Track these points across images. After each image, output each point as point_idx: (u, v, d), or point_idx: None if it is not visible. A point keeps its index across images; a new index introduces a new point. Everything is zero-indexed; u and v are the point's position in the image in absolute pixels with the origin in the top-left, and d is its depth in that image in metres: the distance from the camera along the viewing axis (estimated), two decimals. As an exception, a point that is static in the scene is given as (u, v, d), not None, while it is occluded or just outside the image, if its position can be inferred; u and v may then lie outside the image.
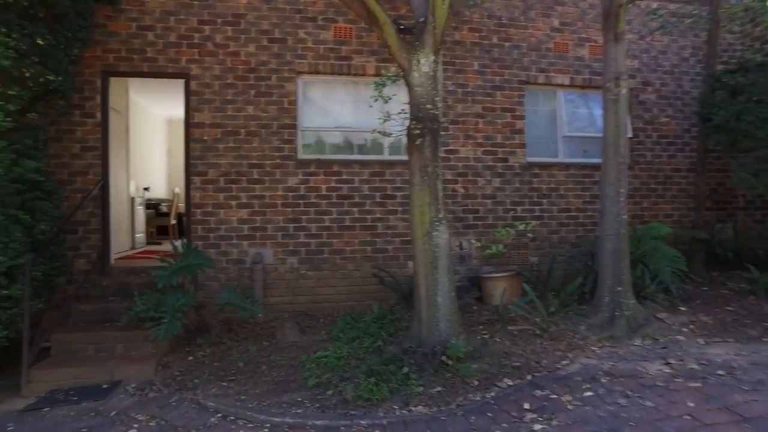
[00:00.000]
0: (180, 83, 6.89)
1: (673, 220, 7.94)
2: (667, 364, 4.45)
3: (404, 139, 7.12)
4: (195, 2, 6.64)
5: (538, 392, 3.97)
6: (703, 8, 7.62)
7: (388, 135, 5.21)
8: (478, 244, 6.44)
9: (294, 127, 6.81)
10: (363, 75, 7.02)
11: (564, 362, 4.49)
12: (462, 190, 7.20)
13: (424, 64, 4.56)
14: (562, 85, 7.53)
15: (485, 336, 4.99)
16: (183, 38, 6.64)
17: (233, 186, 6.65)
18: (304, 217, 6.79)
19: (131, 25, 6.54)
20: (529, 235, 6.48)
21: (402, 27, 4.90)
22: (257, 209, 6.69)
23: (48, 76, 5.29)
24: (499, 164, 7.35)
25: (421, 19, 4.67)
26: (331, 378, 4.36)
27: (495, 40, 7.37)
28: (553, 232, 7.39)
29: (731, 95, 7.14)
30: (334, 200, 6.85)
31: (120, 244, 8.49)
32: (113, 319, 5.61)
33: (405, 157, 7.08)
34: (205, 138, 6.61)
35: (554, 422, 3.56)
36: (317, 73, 6.93)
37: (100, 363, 5.01)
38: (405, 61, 4.59)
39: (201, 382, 4.65)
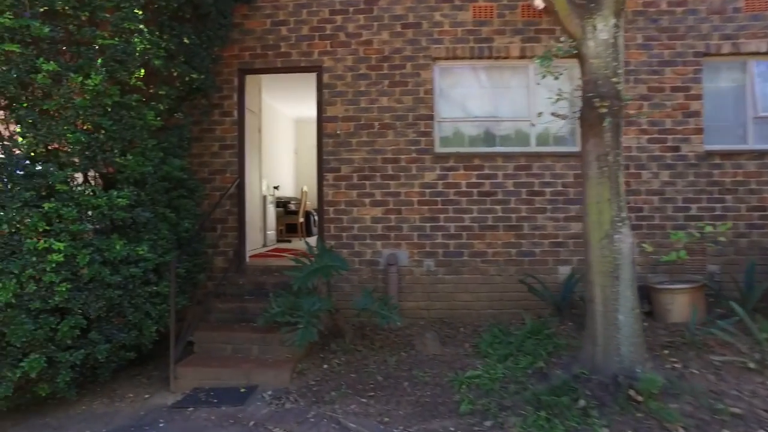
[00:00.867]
0: (312, 77, 6.63)
1: None
2: None
3: (552, 129, 6.32)
4: (328, -9, 6.32)
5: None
6: None
7: (564, 117, 4.39)
8: (650, 249, 5.39)
9: (430, 118, 6.23)
10: (506, 58, 6.26)
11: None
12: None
13: (602, 30, 3.72)
14: (755, 54, 6.14)
15: (676, 365, 4.01)
16: (315, 30, 6.35)
17: (367, 182, 6.23)
18: (441, 215, 6.19)
19: (266, 21, 6.39)
20: (721, 239, 5.28)
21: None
22: (392, 207, 6.21)
23: (192, 75, 5.22)
24: (668, 154, 6.18)
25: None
26: (487, 405, 3.71)
27: (664, 6, 6.20)
28: (740, 235, 6.06)
29: None
30: (475, 197, 6.17)
31: (253, 241, 8.50)
32: (249, 319, 5.44)
33: (555, 149, 6.24)
34: (338, 132, 6.26)
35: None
36: (455, 58, 6.29)
37: (237, 365, 4.82)
38: (577, 29, 3.78)
39: (338, 395, 4.23)
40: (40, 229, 3.75)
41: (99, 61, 4.11)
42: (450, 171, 6.20)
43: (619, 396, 3.42)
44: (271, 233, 9.66)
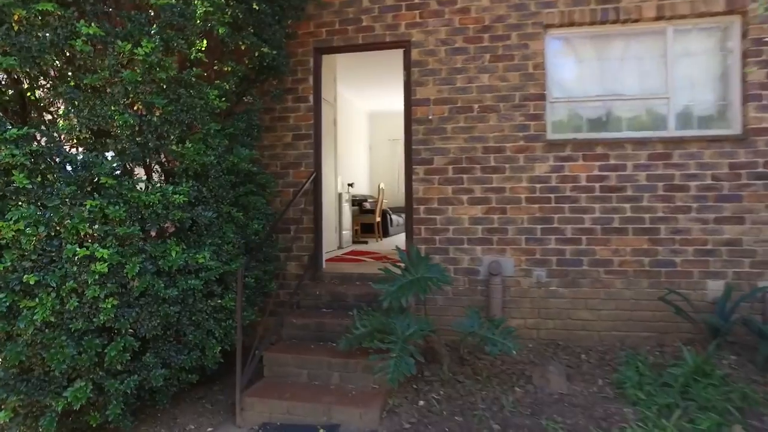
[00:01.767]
0: (395, 57, 5.68)
1: None
2: None
3: (697, 107, 5.00)
4: (418, -49, 5.32)
5: None
6: None
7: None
8: None
9: (541, 98, 5.08)
10: (637, 21, 4.99)
11: None
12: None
13: None
14: None
15: None
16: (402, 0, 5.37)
17: (464, 176, 5.18)
18: (555, 215, 5.03)
19: (345, -9, 5.48)
20: None
21: None
22: (494, 205, 5.12)
23: (263, 49, 4.38)
24: None
25: None
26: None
27: None
28: None
29: None
30: (598, 193, 4.96)
31: (328, 243, 7.70)
32: (327, 337, 4.56)
33: (702, 132, 4.94)
34: (430, 117, 5.25)
35: None
36: (571, 24, 5.09)
37: (314, 397, 3.92)
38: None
39: (445, 449, 3.23)
40: (82, 232, 3.00)
41: (152, 27, 3.32)
42: (566, 161, 5.03)
43: None
44: (347, 234, 8.82)
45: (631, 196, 4.90)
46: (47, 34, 2.91)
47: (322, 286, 5.23)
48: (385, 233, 10.67)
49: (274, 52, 4.46)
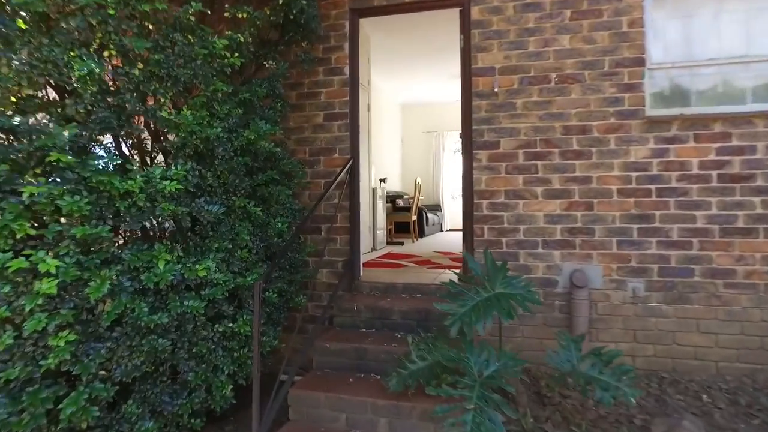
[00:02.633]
0: (450, 16, 4.54)
1: None
2: None
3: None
4: None
5: None
6: None
7: None
8: None
9: (639, 63, 3.90)
10: (766, -38, 3.76)
11: None
12: None
13: None
14: None
15: None
16: (458, -52, 4.24)
17: (539, 163, 4.02)
18: (657, 212, 3.84)
19: (388, -59, 4.37)
20: None
21: None
22: (577, 200, 3.95)
23: (289, -7, 3.30)
24: None
25: None
26: None
27: None
28: None
29: None
30: (715, 184, 3.75)
31: (362, 245, 6.65)
32: (370, 367, 3.47)
33: None
34: (495, 90, 4.10)
35: None
36: (677, -30, 3.89)
37: (356, 454, 2.82)
38: None
39: None
40: (19, 234, 1.95)
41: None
42: (671, 143, 3.83)
43: None
44: (381, 234, 7.71)
45: (762, 188, 3.68)
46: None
47: (361, 299, 4.14)
48: (421, 233, 9.54)
49: (303, 1, 3.37)
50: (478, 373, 2.66)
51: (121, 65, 2.31)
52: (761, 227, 3.67)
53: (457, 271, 4.86)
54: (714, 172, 3.75)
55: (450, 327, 2.89)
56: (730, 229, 3.72)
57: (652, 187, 3.83)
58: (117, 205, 2.22)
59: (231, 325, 2.85)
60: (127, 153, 2.69)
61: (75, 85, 2.11)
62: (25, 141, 2.00)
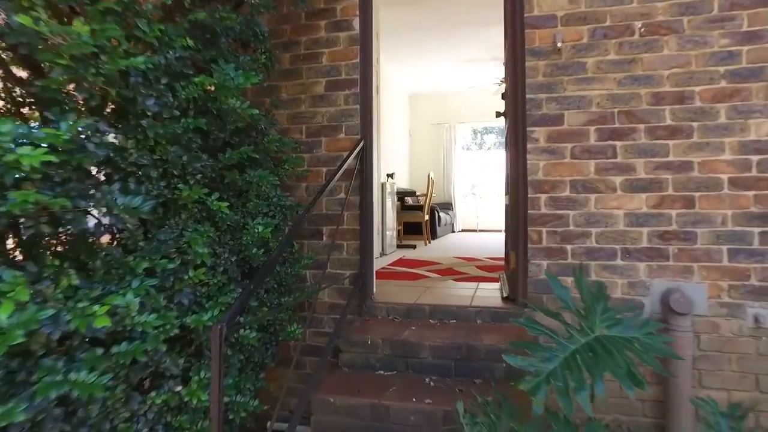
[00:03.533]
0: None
1: None
2: None
3: None
4: None
5: None
6: None
7: None
8: None
9: (764, 2, 2.77)
10: None
11: None
12: None
13: None
14: None
15: None
16: None
17: (617, 144, 2.89)
18: (788, 211, 2.71)
19: None
20: None
21: None
22: (671, 193, 2.83)
23: None
24: None
25: None
26: None
27: None
28: None
29: None
30: None
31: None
32: (391, 427, 2.34)
33: None
34: (559, 46, 2.96)
35: None
36: None
37: None
38: None
39: None
40: None
41: None
42: (807, 115, 2.71)
43: None
44: (390, 235, 6.59)
45: None
46: None
47: (376, 327, 3.01)
48: (433, 235, 8.41)
49: None
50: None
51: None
52: None
53: (496, 285, 3.73)
54: None
55: (529, 392, 1.75)
56: None
57: (780, 175, 2.71)
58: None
59: (180, 390, 1.72)
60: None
61: None
62: None
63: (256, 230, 2.10)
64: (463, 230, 10.48)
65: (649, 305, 2.85)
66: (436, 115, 10.47)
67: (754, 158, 2.73)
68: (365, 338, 2.84)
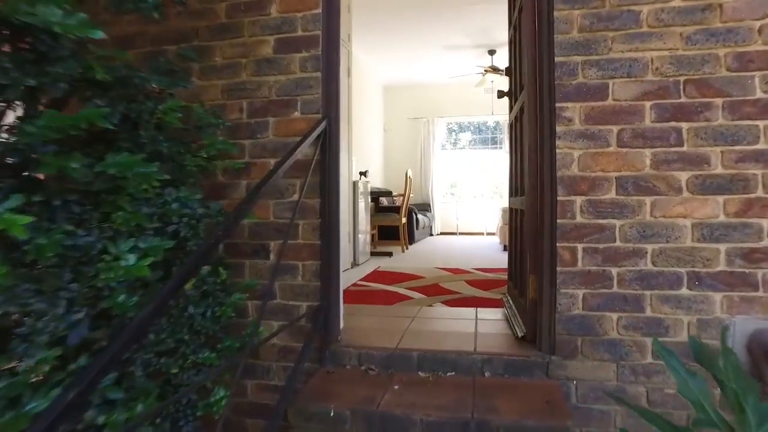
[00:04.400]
0: None
1: None
2: None
3: None
4: None
5: None
6: None
7: None
8: None
9: None
10: None
11: None
12: None
13: None
14: None
15: None
16: None
17: (683, 126, 2.03)
18: None
19: None
20: None
21: None
22: (761, 195, 1.97)
23: None
24: None
25: None
26: None
27: None
28: None
29: None
30: None
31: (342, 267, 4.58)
32: None
33: None
34: (595, 6, 2.08)
35: None
36: None
37: None
38: None
39: None
40: None
41: None
42: None
43: None
44: (363, 240, 5.67)
45: None
46: None
47: (343, 386, 2.08)
48: (411, 239, 7.51)
49: None
50: None
51: None
52: None
53: (498, 313, 2.84)
54: None
55: None
56: None
57: None
58: None
59: None
60: None
61: None
62: None
63: (124, 263, 1.14)
64: (442, 233, 9.62)
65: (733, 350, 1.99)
66: (413, 109, 9.58)
67: None
68: (326, 409, 1.90)
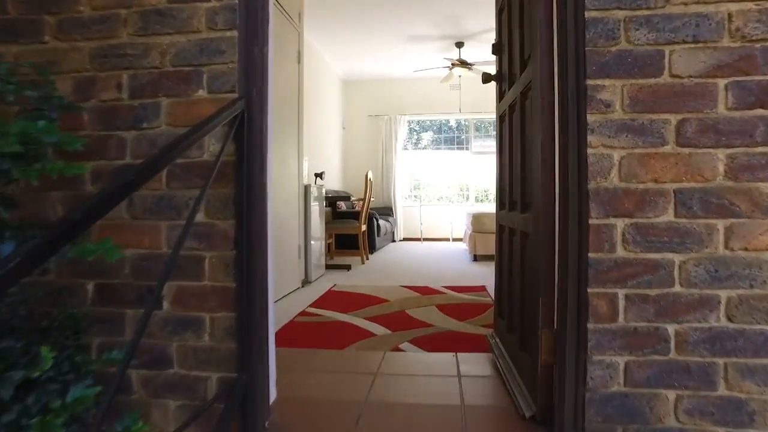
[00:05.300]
0: None
1: None
2: None
3: None
4: None
5: None
6: None
7: None
8: None
9: None
10: None
11: None
12: None
13: None
14: None
15: None
16: None
17: (782, 113, 1.33)
18: None
19: None
20: None
21: None
22: None
23: None
24: None
25: None
26: None
27: None
28: None
29: None
30: None
31: (285, 281, 3.84)
32: None
33: None
34: None
35: None
36: None
37: None
38: None
39: None
40: None
41: None
42: None
43: None
44: (318, 251, 4.88)
45: None
46: None
47: None
48: (372, 247, 6.76)
49: None
50: None
51: None
52: None
53: (485, 358, 2.12)
54: None
55: None
56: None
57: None
58: None
59: None
60: None
61: None
62: None
63: None
64: (405, 239, 8.92)
65: (839, 451, 1.34)
66: (374, 106, 8.83)
67: None
68: None
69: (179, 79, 1.58)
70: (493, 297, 3.68)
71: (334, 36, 6.63)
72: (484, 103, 8.14)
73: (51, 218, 1.61)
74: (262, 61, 1.61)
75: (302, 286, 4.34)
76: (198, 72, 1.58)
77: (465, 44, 6.86)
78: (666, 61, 1.38)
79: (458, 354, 2.38)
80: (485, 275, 4.85)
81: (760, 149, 1.35)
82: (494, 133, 8.90)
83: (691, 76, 1.37)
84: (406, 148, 9.07)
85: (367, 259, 6.09)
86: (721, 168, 1.36)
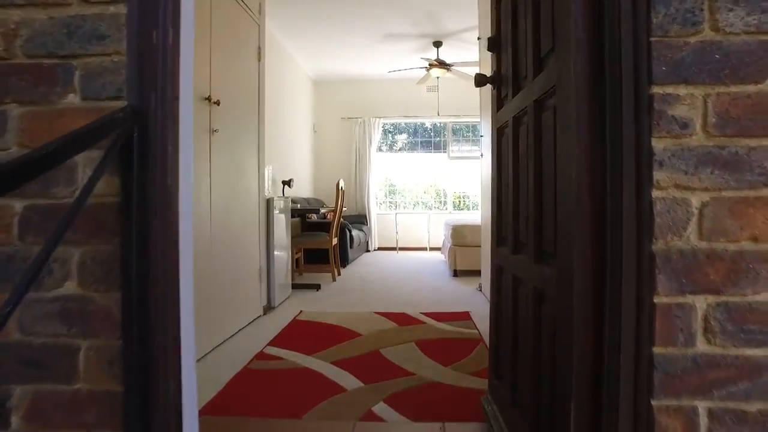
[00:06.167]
0: None
1: None
2: None
3: None
4: None
5: None
6: None
7: None
8: None
9: None
10: None
11: None
12: None
13: None
14: None
15: None
16: None
17: None
18: None
19: None
20: None
21: None
22: None
23: None
24: None
25: None
26: None
27: None
28: None
29: None
30: None
31: (241, 310, 3.30)
32: None
33: None
34: None
35: None
36: None
37: None
38: None
39: None
40: None
41: None
42: None
43: None
44: (284, 268, 4.35)
45: None
46: None
47: None
48: (344, 261, 6.25)
49: None
50: None
51: None
52: None
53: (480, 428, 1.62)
54: None
55: None
56: None
57: None
58: None
59: None
60: None
61: None
62: None
63: None
64: (380, 248, 8.42)
65: None
66: (347, 108, 8.29)
67: None
68: None
69: (37, 77, 1.04)
70: (479, 329, 3.22)
71: (304, 32, 6.08)
72: (463, 105, 7.70)
73: None
74: (166, 52, 1.07)
75: (264, 314, 3.79)
76: (66, 67, 1.04)
77: (443, 43, 6.40)
78: (771, 59, 0.91)
79: (446, 424, 1.88)
80: (468, 296, 4.40)
81: None
82: (473, 137, 8.47)
83: (807, 83, 0.90)
84: (381, 150, 8.56)
85: (339, 275, 5.57)
86: None
